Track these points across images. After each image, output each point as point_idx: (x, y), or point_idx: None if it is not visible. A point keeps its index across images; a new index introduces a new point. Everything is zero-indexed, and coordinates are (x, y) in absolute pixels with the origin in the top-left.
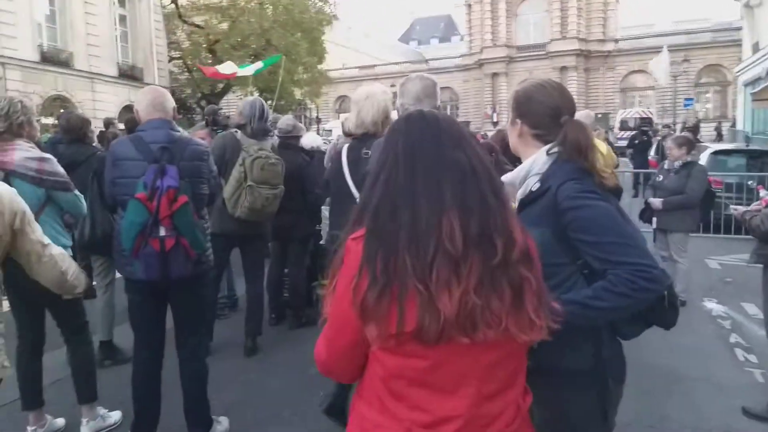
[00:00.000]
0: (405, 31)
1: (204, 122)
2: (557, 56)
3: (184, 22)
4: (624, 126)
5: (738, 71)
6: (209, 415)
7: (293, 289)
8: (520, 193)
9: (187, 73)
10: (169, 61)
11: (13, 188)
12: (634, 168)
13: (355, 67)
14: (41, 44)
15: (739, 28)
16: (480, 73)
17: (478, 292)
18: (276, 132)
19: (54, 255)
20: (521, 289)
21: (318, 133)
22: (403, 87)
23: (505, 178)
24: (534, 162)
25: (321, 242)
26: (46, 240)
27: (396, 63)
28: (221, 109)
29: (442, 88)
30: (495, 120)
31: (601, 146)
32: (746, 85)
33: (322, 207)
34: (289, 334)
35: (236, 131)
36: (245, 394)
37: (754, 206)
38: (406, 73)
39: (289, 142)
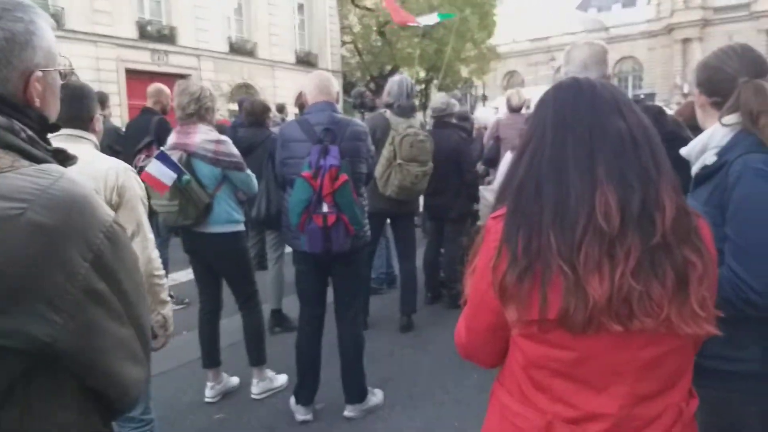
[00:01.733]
0: None
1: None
2: (764, 16)
3: (356, 6)
4: None
5: None
6: (365, 386)
7: (449, 269)
8: (695, 168)
9: (357, 57)
10: (342, 45)
11: (129, 169)
12: None
13: (526, 40)
14: (230, 36)
15: None
16: (669, 39)
17: (636, 275)
18: (430, 112)
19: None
20: (686, 274)
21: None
22: (569, 54)
23: (682, 151)
24: (712, 134)
25: (479, 222)
26: (130, 230)
27: (571, 33)
28: (367, 90)
29: (624, 58)
30: (686, 91)
31: None
32: None
33: (480, 187)
34: (444, 313)
35: (385, 111)
36: (399, 370)
37: None
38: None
39: (445, 120)
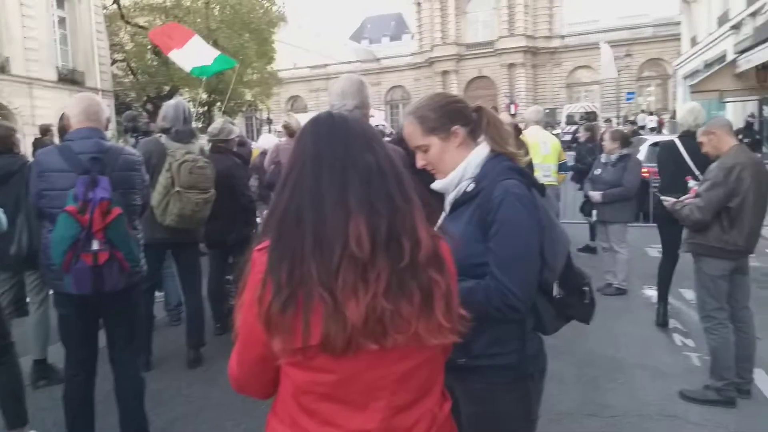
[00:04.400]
0: (356, 30)
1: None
2: (505, 53)
3: (127, 23)
4: (570, 120)
5: (677, 64)
6: None
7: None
8: (452, 196)
9: (131, 76)
10: (112, 63)
11: None
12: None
13: (307, 67)
14: None
15: (678, 23)
16: (430, 71)
17: (387, 296)
18: (207, 137)
19: None
20: (431, 292)
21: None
22: (330, 87)
23: (436, 185)
24: (467, 166)
25: None
26: None
27: (347, 62)
28: (141, 113)
29: (394, 87)
30: None
31: (550, 137)
32: (685, 77)
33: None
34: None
35: (161, 136)
36: (187, 409)
37: (685, 197)
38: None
39: (219, 145)
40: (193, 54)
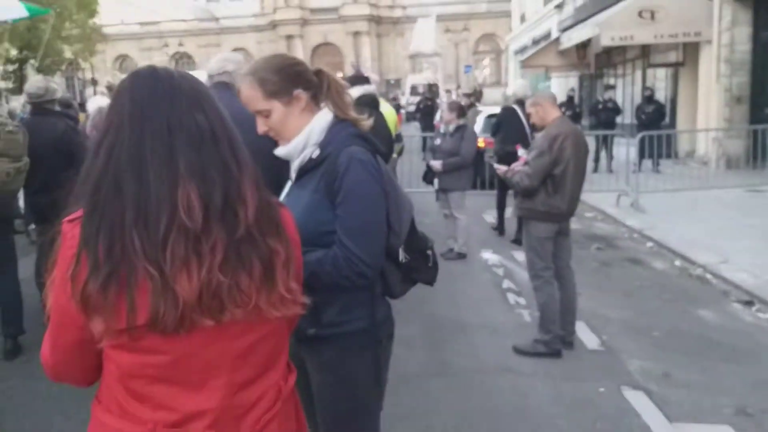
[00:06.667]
0: None
1: None
2: (350, 20)
3: None
4: (414, 91)
5: (509, 40)
6: None
7: None
8: (297, 163)
9: None
10: None
11: None
12: (422, 131)
13: (136, 23)
14: None
15: (509, 0)
16: (274, 35)
17: (224, 269)
18: (25, 97)
19: None
20: (271, 262)
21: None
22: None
23: (279, 151)
24: (311, 131)
25: None
26: None
27: (183, 20)
28: None
29: (236, 50)
30: None
31: (385, 106)
32: (516, 53)
33: None
34: None
35: None
36: (8, 406)
37: (515, 165)
38: (194, 31)
39: (45, 107)
40: None
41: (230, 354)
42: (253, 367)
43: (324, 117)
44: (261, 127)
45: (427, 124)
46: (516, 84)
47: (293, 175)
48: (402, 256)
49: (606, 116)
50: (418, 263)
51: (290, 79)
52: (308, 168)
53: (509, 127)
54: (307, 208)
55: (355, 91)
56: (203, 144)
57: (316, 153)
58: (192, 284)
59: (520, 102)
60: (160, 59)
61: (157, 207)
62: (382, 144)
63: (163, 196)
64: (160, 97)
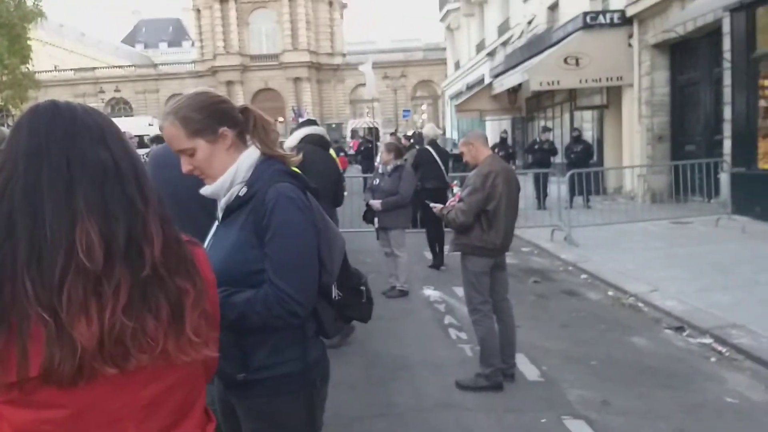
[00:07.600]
0: (129, 33)
1: None
2: (290, 67)
3: None
4: (354, 135)
5: (445, 86)
6: None
7: None
8: (224, 201)
9: None
10: None
11: None
12: (363, 173)
13: (71, 70)
14: None
15: (444, 48)
16: (214, 81)
17: (128, 311)
18: None
19: None
20: (180, 303)
21: None
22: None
23: (205, 190)
24: (238, 169)
25: None
26: None
27: (119, 66)
28: None
29: (174, 95)
30: None
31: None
32: (451, 98)
33: None
34: None
35: None
36: None
37: (449, 202)
38: (131, 77)
39: None
40: None
41: (137, 404)
42: (164, 417)
43: (251, 154)
44: (185, 166)
45: (368, 165)
46: (427, 127)
47: (220, 214)
48: (335, 293)
49: (542, 156)
50: (352, 300)
51: (215, 117)
52: (235, 206)
53: (426, 166)
54: (234, 246)
55: (302, 132)
56: (106, 180)
57: (243, 191)
58: (92, 329)
59: (433, 143)
60: (95, 105)
61: (52, 247)
62: (332, 182)
63: (59, 235)
64: (60, 132)
